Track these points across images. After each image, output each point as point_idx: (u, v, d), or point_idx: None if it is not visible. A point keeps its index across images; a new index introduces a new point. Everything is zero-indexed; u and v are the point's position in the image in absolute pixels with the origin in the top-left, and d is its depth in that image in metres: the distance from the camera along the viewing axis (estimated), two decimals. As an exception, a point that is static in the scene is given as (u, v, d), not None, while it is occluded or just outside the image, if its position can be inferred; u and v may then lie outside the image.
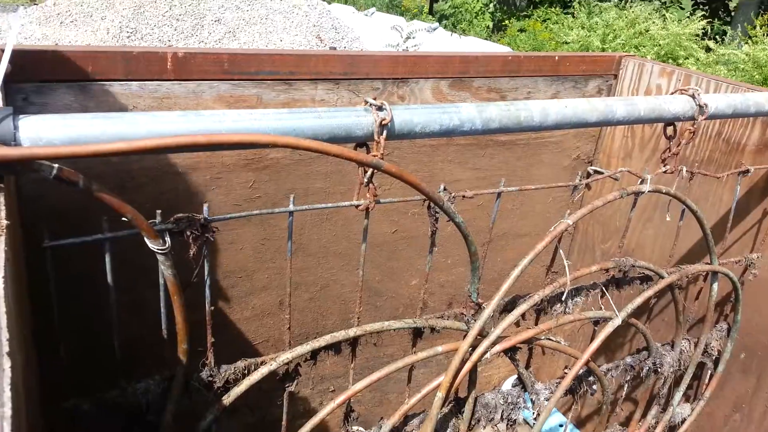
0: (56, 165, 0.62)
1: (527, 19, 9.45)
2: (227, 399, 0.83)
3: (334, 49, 6.83)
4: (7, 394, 0.35)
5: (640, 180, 1.17)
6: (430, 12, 10.71)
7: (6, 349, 0.38)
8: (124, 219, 0.69)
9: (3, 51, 0.72)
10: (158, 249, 0.71)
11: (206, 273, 0.79)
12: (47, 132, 0.65)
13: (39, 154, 0.59)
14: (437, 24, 7.93)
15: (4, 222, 0.53)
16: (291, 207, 0.91)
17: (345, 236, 1.66)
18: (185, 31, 7.29)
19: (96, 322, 1.03)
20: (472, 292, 1.08)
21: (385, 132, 0.93)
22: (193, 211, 1.12)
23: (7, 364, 0.37)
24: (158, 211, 0.74)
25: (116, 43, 6.86)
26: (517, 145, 1.84)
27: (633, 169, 1.21)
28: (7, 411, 0.34)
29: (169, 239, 0.73)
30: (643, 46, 6.83)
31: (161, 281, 0.74)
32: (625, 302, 1.22)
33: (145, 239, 0.70)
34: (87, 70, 1.26)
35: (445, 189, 1.03)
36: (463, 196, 1.06)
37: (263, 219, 1.52)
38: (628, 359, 1.37)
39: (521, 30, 8.81)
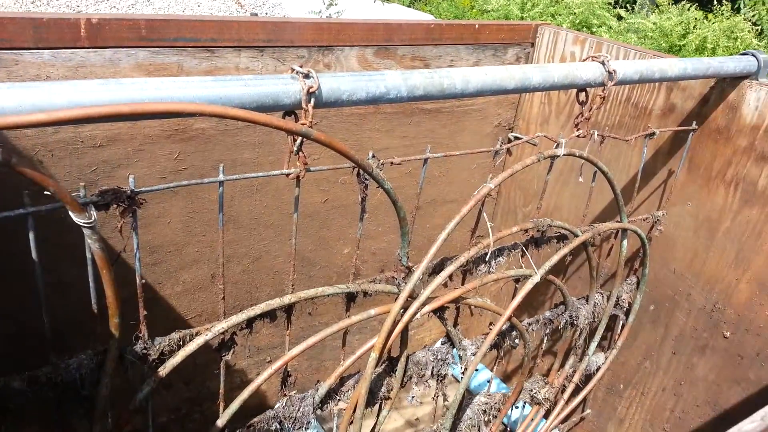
0: (-31, 138, 0.60)
1: (450, -14, 9.50)
2: (163, 370, 0.83)
3: (255, 15, 6.62)
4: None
5: (556, 144, 1.24)
6: (353, -22, 10.54)
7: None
8: (46, 193, 0.67)
9: None
10: (84, 222, 0.69)
11: (135, 245, 0.78)
12: (-43, 103, 0.62)
13: (-50, 127, 0.56)
14: (361, -10, 7.83)
15: None
16: (221, 177, 0.91)
17: (276, 207, 1.66)
18: (92, -6, 6.84)
19: (22, 300, 0.99)
20: (402, 256, 1.12)
21: (312, 100, 0.94)
22: (115, 185, 1.09)
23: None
24: (82, 184, 0.73)
25: (20, 8, 6.35)
26: (441, 113, 1.89)
27: (549, 135, 1.28)
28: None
29: (95, 212, 0.72)
30: (559, 15, 7.05)
31: (88, 255, 0.72)
32: (544, 261, 1.30)
33: (70, 213, 0.69)
34: (-8, 37, 1.18)
35: (373, 156, 1.06)
36: (392, 163, 1.09)
37: (191, 191, 1.50)
38: (547, 313, 1.47)
39: (444, -2, 8.86)
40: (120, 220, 0.76)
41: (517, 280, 1.30)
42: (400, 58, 1.73)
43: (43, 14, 1.24)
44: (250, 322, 0.92)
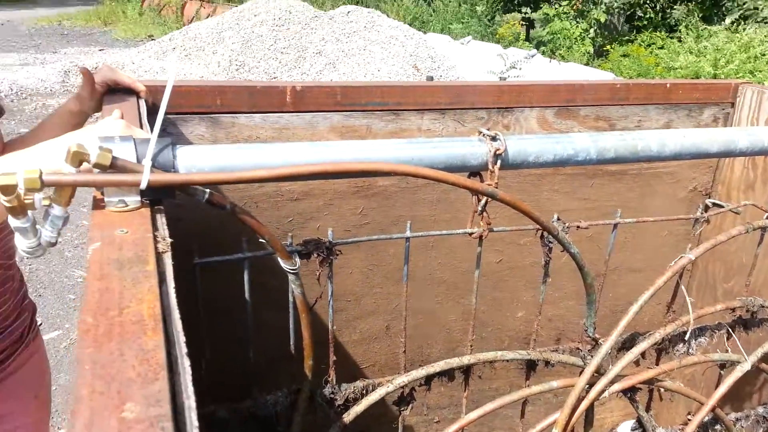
0: (208, 190, 0.69)
1: (630, 44, 9.14)
2: (347, 417, 0.85)
3: (431, 78, 6.93)
4: (191, 388, 0.40)
5: (766, 215, 1.10)
6: (527, 39, 10.62)
7: (184, 350, 0.43)
8: (261, 240, 0.75)
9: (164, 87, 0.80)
10: (290, 269, 0.75)
11: (330, 293, 0.83)
12: (199, 160, 0.72)
13: (195, 180, 0.66)
14: (535, 51, 7.85)
15: (169, 240, 0.59)
16: (408, 233, 0.94)
17: (450, 264, 1.67)
18: (288, 63, 7.70)
19: (227, 335, 1.10)
20: (588, 326, 1.05)
21: (499, 161, 0.95)
22: (306, 235, 1.18)
23: (186, 362, 0.42)
24: (289, 235, 0.79)
25: (226, 75, 7.36)
26: (628, 175, 1.78)
27: (757, 203, 1.14)
28: (192, 402, 0.39)
29: (299, 260, 0.78)
30: (759, 71, 6.40)
31: (291, 300, 0.78)
32: (754, 346, 1.14)
33: (279, 259, 0.75)
34: (216, 103, 1.37)
35: (558, 219, 1.02)
36: (578, 227, 1.05)
37: (372, 244, 1.57)
38: (760, 409, 1.27)
39: (625, 55, 8.53)
40: (318, 268, 0.81)
41: (722, 366, 1.15)
42: (583, 119, 1.68)
43: (257, 83, 1.42)
44: (428, 379, 0.92)
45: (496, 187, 0.92)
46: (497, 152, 0.94)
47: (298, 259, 0.78)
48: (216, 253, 0.85)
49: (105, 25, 13.02)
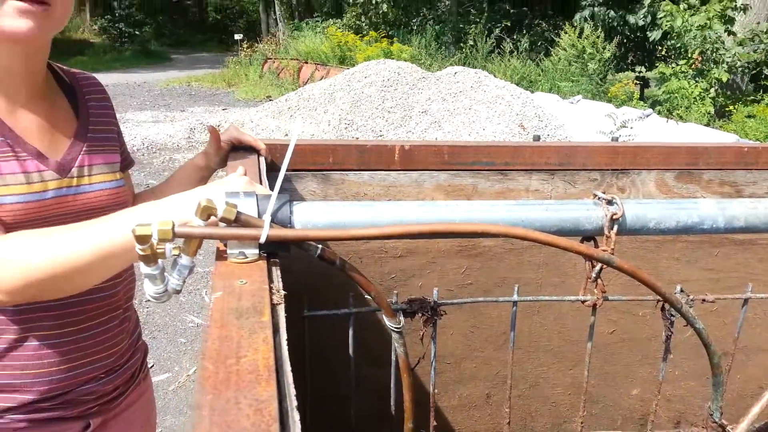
0: (320, 246, 0.71)
1: (756, 104, 8.58)
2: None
3: (538, 137, 6.85)
4: (301, 443, 0.40)
5: None
6: (641, 98, 10.28)
7: (295, 403, 0.43)
8: (367, 297, 0.75)
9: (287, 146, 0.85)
10: (394, 327, 0.75)
11: (433, 354, 0.81)
12: (314, 216, 0.75)
13: (310, 236, 0.68)
14: (650, 110, 7.55)
15: (283, 292, 0.62)
16: (515, 297, 0.91)
17: (557, 332, 1.60)
18: (395, 122, 7.96)
19: (327, 389, 1.11)
20: (713, 410, 0.95)
21: (616, 227, 0.91)
22: (408, 293, 1.17)
23: (296, 416, 0.43)
24: (395, 292, 0.80)
25: (336, 133, 7.73)
26: (757, 245, 1.64)
27: None
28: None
29: (403, 318, 0.78)
30: None
31: (393, 358, 0.78)
32: None
33: (384, 317, 0.75)
34: (328, 160, 1.43)
35: (682, 291, 0.95)
36: (703, 300, 0.97)
37: (474, 306, 1.54)
38: None
39: (750, 116, 7.99)
40: (422, 327, 0.81)
41: None
42: (706, 183, 1.58)
43: (367, 142, 1.47)
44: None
45: (612, 254, 0.88)
46: (614, 217, 0.90)
47: (402, 318, 0.77)
48: (320, 306, 0.87)
49: (229, 86, 14.21)
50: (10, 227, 0.87)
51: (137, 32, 24.24)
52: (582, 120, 7.37)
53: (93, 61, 18.92)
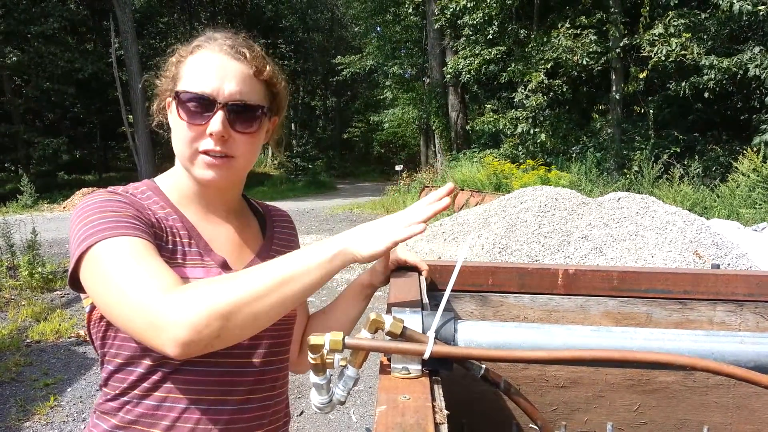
0: (484, 366, 0.69)
1: None
2: None
3: (717, 266, 6.20)
4: None
5: None
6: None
7: None
8: (532, 426, 0.70)
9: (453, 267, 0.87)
10: (565, 465, 0.68)
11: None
12: (479, 336, 0.74)
13: (474, 355, 0.67)
14: None
15: (445, 411, 0.60)
16: (707, 444, 0.79)
17: (758, 493, 1.34)
18: (552, 247, 7.73)
19: None
20: None
21: (831, 367, 0.77)
22: (572, 428, 1.07)
23: None
24: (563, 423, 0.73)
25: (489, 257, 7.67)
26: None
27: None
28: None
29: (574, 457, 0.71)
30: None
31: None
32: None
33: (552, 452, 0.69)
34: (487, 282, 1.42)
35: None
36: None
37: (651, 451, 1.36)
38: None
39: None
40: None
41: None
42: None
43: (528, 265, 1.44)
44: None
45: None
46: (828, 355, 0.77)
47: (573, 455, 0.70)
48: (481, 429, 0.82)
49: (387, 212, 15.04)
50: None
51: (310, 165, 27.22)
52: (769, 248, 6.59)
53: (271, 191, 21.40)
